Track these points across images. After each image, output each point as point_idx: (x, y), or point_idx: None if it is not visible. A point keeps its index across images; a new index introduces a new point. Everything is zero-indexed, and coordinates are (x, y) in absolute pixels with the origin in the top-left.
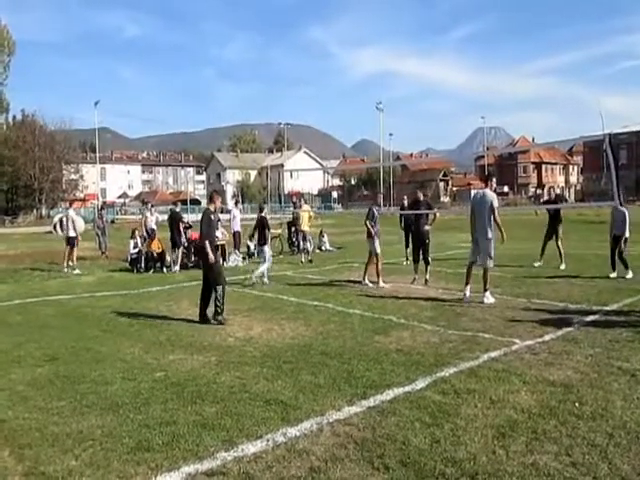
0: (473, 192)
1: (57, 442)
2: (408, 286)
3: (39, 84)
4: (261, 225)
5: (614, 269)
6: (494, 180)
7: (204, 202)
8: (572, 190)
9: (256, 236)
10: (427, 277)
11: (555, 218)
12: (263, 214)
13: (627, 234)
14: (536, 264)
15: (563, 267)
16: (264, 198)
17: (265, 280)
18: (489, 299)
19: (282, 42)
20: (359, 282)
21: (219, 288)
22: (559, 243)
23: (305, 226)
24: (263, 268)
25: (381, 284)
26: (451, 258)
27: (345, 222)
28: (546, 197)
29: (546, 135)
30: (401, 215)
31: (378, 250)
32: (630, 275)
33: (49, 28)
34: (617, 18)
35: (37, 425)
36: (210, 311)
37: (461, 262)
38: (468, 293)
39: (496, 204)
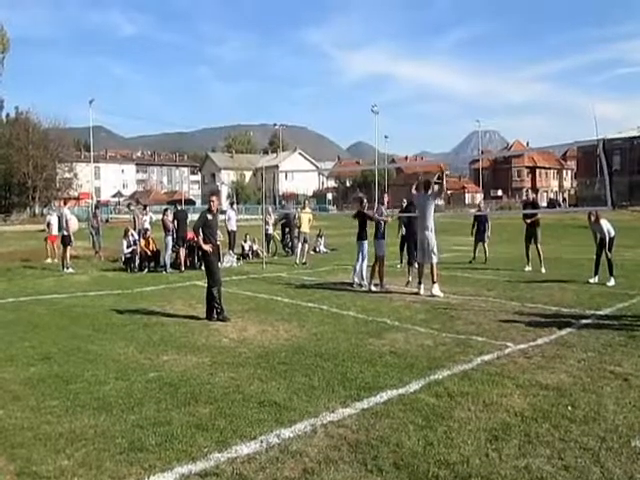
0: (418, 196)
1: (49, 442)
2: (402, 289)
3: (34, 82)
4: (361, 219)
5: (596, 274)
6: (434, 187)
7: (199, 202)
8: (566, 195)
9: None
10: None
11: (532, 222)
12: (364, 208)
13: (612, 233)
14: (526, 269)
15: (544, 271)
16: (359, 192)
17: (362, 281)
18: (437, 291)
19: (278, 43)
20: (351, 284)
21: (214, 290)
22: (539, 247)
23: (305, 228)
24: (364, 266)
25: (373, 287)
26: (445, 261)
27: (339, 224)
28: (524, 198)
29: (540, 139)
30: (399, 217)
31: (384, 252)
32: (612, 283)
33: (45, 26)
34: (611, 26)
35: (29, 424)
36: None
37: (455, 265)
38: (422, 291)
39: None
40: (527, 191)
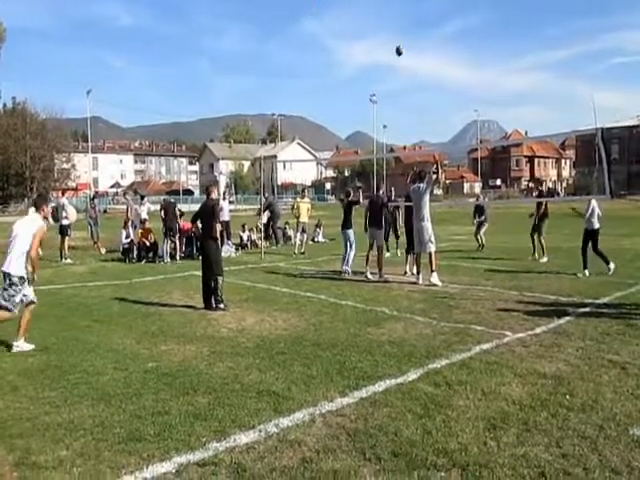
0: (412, 186)
1: (48, 432)
2: (400, 278)
3: (31, 72)
4: (348, 208)
5: (585, 267)
6: (427, 177)
7: (197, 192)
8: (564, 184)
9: None
10: (407, 269)
11: (542, 215)
12: (350, 198)
13: (596, 226)
14: (543, 260)
15: (544, 260)
16: (353, 184)
17: (347, 268)
18: (436, 280)
19: (277, 34)
20: (341, 272)
21: (219, 279)
22: (542, 239)
23: (304, 217)
24: (352, 255)
25: (369, 276)
26: (444, 250)
27: (338, 214)
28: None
29: (539, 129)
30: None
31: (383, 241)
32: (612, 266)
33: (42, 16)
34: (610, 15)
35: (28, 415)
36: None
37: (454, 254)
38: (421, 281)
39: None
40: (543, 183)
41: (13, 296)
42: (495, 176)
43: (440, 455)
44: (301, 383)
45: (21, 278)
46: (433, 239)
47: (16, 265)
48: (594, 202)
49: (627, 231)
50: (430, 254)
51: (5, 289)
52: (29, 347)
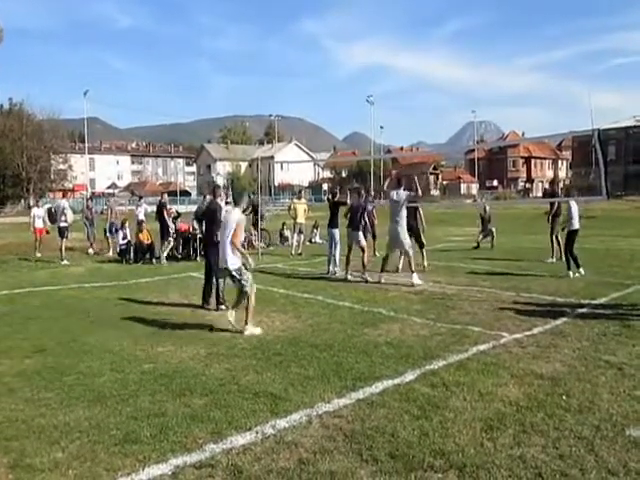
0: (391, 192)
1: (44, 434)
2: (395, 279)
3: (30, 73)
4: (334, 208)
5: (578, 267)
6: (409, 190)
7: (194, 193)
8: (561, 184)
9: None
10: (425, 264)
11: (554, 214)
12: (336, 199)
13: (573, 227)
14: (549, 260)
15: (549, 261)
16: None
17: (336, 267)
18: (417, 280)
19: (275, 35)
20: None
21: (221, 282)
22: (553, 237)
23: (301, 219)
24: (337, 254)
25: (349, 277)
26: (441, 250)
27: None
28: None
29: (536, 130)
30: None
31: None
32: (571, 275)
33: (41, 16)
34: (609, 16)
35: (24, 417)
36: (213, 300)
37: (451, 255)
38: (415, 281)
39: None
40: (552, 183)
41: (246, 280)
42: (492, 177)
43: (437, 456)
44: (298, 384)
45: (239, 269)
46: (408, 241)
47: (231, 258)
48: (573, 203)
49: (624, 232)
50: (402, 256)
51: (235, 281)
52: (258, 331)
